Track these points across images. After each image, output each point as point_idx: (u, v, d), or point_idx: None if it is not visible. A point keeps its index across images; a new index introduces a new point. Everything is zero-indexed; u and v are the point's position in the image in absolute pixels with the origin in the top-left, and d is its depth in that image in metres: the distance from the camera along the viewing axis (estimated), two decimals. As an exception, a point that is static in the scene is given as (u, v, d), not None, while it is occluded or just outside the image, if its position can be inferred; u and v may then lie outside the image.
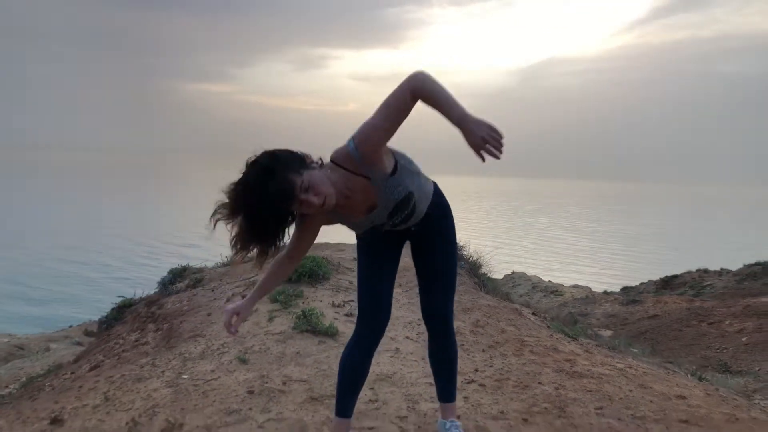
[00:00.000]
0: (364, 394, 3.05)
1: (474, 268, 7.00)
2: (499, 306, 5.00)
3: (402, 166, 2.06)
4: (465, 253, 8.10)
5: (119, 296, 7.62)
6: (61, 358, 6.79)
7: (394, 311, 4.56)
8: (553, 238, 50.42)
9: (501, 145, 1.75)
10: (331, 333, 3.80)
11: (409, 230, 2.23)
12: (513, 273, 22.59)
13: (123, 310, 6.62)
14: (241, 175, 1.83)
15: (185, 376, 3.11)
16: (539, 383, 3.26)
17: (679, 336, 10.90)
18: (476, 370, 3.45)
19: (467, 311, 4.70)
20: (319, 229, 2.15)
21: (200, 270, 7.05)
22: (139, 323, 4.91)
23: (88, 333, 10.12)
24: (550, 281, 21.36)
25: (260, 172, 1.80)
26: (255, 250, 1.90)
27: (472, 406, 2.95)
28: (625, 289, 19.33)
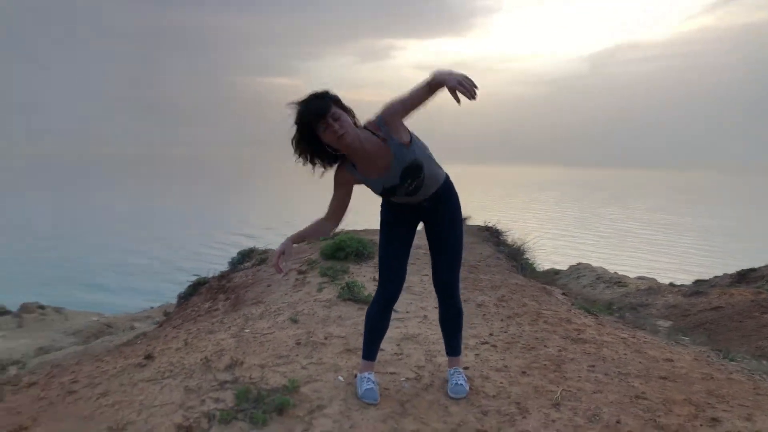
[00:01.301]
0: (391, 348, 3.67)
1: (516, 253, 7.43)
2: (527, 285, 5.48)
3: (416, 143, 2.62)
4: (509, 240, 8.55)
5: (194, 275, 8.59)
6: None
7: (427, 286, 5.15)
8: (622, 230, 49.19)
9: (474, 88, 2.24)
10: (369, 301, 4.42)
11: (421, 206, 2.76)
12: (578, 264, 22.51)
13: (198, 287, 7.53)
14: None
15: (247, 330, 3.82)
16: (544, 346, 3.77)
17: (739, 327, 10.86)
18: (491, 335, 3.99)
19: (495, 288, 5.22)
20: (350, 192, 2.66)
21: (265, 251, 7.86)
22: (211, 294, 5.72)
23: (167, 313, 11.25)
24: (615, 273, 21.19)
25: (314, 94, 2.43)
26: (305, 159, 2.50)
27: (481, 361, 3.50)
28: (698, 282, 18.94)
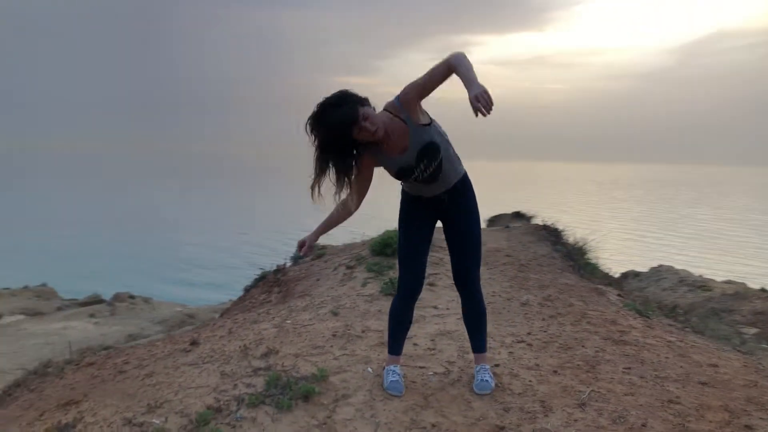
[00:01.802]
0: (425, 343, 3.74)
1: (574, 253, 7.24)
2: (577, 285, 5.37)
3: (435, 127, 2.68)
4: (570, 239, 8.34)
5: (260, 268, 9.00)
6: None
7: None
8: (711, 231, 46.41)
9: (490, 106, 2.25)
10: (410, 297, 4.51)
11: (440, 200, 2.78)
12: (660, 266, 21.52)
13: (260, 280, 7.87)
14: (318, 105, 2.47)
15: (288, 321, 4.00)
16: (582, 347, 3.71)
17: (832, 337, 10.05)
18: (529, 333, 3.97)
19: (543, 287, 5.15)
20: (371, 176, 2.72)
21: (324, 247, 8.10)
22: (267, 287, 5.99)
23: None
24: (700, 276, 20.10)
25: (333, 103, 2.46)
26: (332, 178, 2.55)
27: (513, 358, 3.50)
28: (800, 288, 17.59)
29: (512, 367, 3.36)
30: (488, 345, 3.77)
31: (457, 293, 4.72)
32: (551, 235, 7.57)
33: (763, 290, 18.37)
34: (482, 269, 5.79)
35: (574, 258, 6.91)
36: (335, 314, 4.18)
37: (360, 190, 2.73)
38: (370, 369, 3.28)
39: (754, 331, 13.48)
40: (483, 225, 12.32)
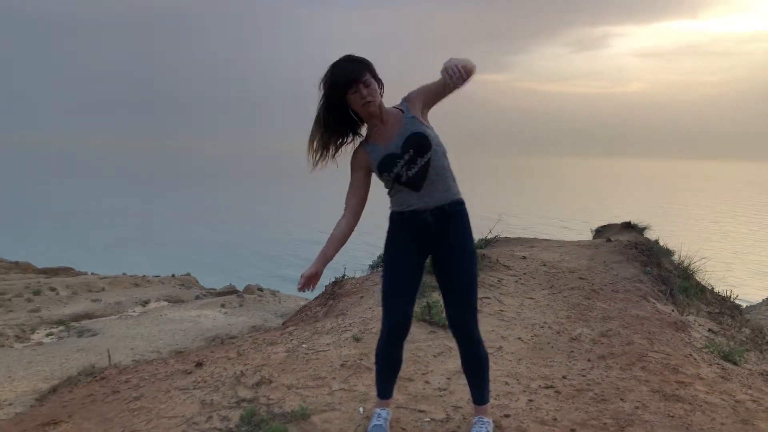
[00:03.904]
0: (438, 382, 3.41)
1: (673, 275, 6.36)
2: (651, 317, 4.66)
3: (433, 130, 2.49)
4: (675, 257, 7.39)
5: (339, 276, 8.95)
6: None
7: (527, 311, 4.70)
8: None
9: (458, 74, 2.24)
10: (443, 325, 4.16)
11: (426, 223, 2.45)
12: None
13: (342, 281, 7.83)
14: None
15: (304, 345, 3.86)
16: (621, 400, 3.17)
17: None
18: (564, 377, 3.48)
19: (606, 319, 4.53)
20: (368, 181, 2.52)
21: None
22: (324, 299, 5.91)
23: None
24: None
25: (349, 57, 2.40)
26: (325, 140, 2.47)
27: (531, 409, 3.07)
28: None
29: (523, 419, 2.94)
30: (510, 389, 3.38)
31: (504, 323, 4.31)
32: (642, 254, 6.73)
33: None
34: (543, 293, 5.31)
35: (668, 282, 6.07)
36: (357, 340, 3.96)
37: (357, 193, 2.53)
38: (361, 409, 3.03)
39: None
40: (588, 235, 11.34)
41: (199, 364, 3.48)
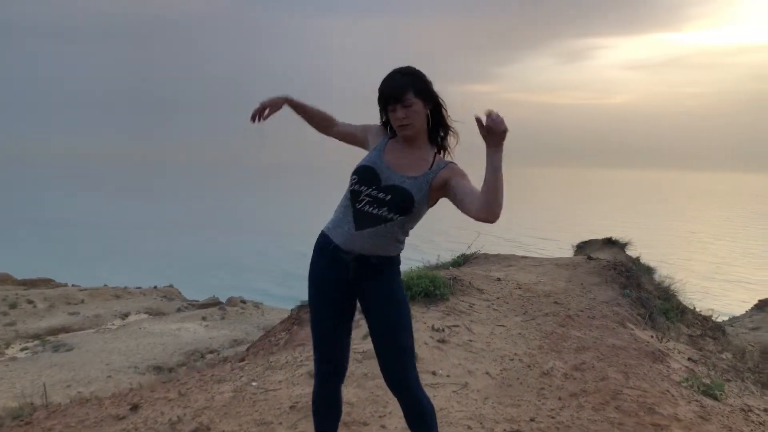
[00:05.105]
0: (396, 426, 3.14)
1: (653, 296, 6.15)
2: (628, 347, 4.43)
3: (424, 209, 2.19)
4: (657, 277, 7.19)
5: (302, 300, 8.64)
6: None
7: (497, 341, 4.44)
8: None
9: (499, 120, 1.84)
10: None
11: (346, 265, 2.18)
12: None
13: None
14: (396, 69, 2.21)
15: (254, 384, 3.57)
16: (591, 447, 2.92)
17: None
18: (532, 420, 3.22)
19: (581, 350, 4.29)
20: (356, 138, 2.36)
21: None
22: (288, 323, 5.62)
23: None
24: None
25: (401, 71, 2.17)
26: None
27: (492, 458, 2.81)
28: None
29: (482, 472, 2.68)
30: (472, 434, 3.11)
31: (472, 355, 4.04)
32: (621, 275, 6.51)
33: None
34: (516, 320, 5.06)
35: (648, 304, 5.85)
36: (312, 377, 3.67)
37: (347, 129, 2.39)
38: (307, 461, 2.76)
39: None
40: (569, 252, 11.12)
41: (134, 407, 3.19)
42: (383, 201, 2.12)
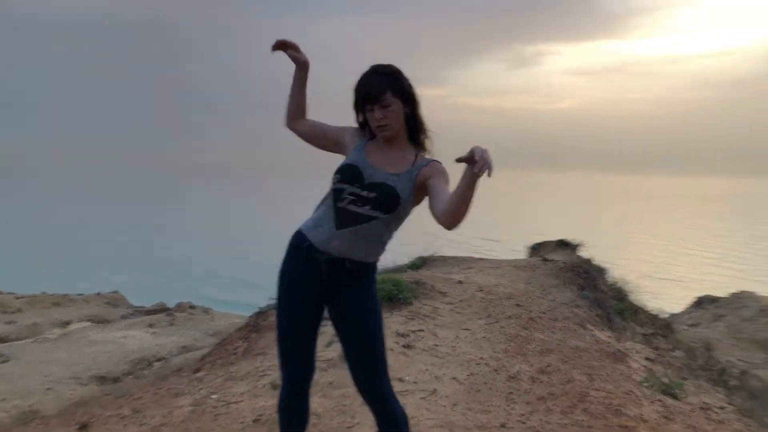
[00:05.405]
0: (366, 435, 3.03)
1: (609, 297, 6.29)
2: (590, 348, 4.48)
3: (409, 209, 2.11)
4: (610, 277, 7.36)
5: (270, 298, 8.30)
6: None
7: (459, 346, 4.40)
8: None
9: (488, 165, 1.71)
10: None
11: (319, 267, 2.08)
12: (742, 293, 19.65)
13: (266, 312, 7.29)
14: (374, 66, 2.12)
15: (214, 396, 3.40)
16: (563, 452, 2.90)
17: None
18: (503, 425, 3.18)
19: (545, 352, 4.30)
20: (324, 137, 2.23)
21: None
22: (246, 331, 5.43)
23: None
24: (786, 306, 18.12)
25: (377, 70, 2.08)
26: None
27: (466, 467, 2.75)
28: None
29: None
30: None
31: (439, 360, 3.97)
32: (579, 276, 6.62)
33: None
34: (480, 323, 5.04)
35: (605, 305, 5.96)
36: (275, 387, 3.51)
37: (316, 126, 2.24)
38: (274, 477, 2.62)
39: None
40: (520, 254, 11.28)
41: (83, 427, 2.97)
42: (367, 198, 2.04)
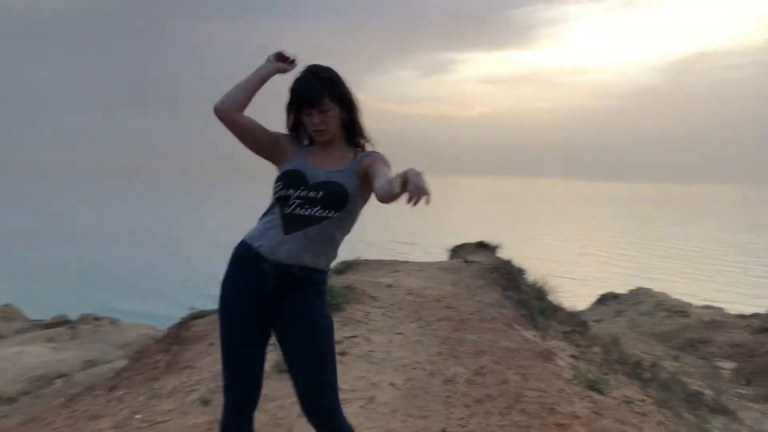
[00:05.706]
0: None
1: (531, 297, 6.49)
2: (521, 348, 4.58)
3: (359, 206, 2.06)
4: (529, 279, 7.60)
5: (191, 308, 7.83)
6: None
7: (397, 349, 4.35)
8: (693, 252, 46.11)
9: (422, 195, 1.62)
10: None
11: (264, 277, 1.97)
12: (638, 289, 20.95)
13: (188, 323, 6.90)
14: (310, 66, 2.10)
15: (138, 416, 3.15)
16: (505, 453, 2.91)
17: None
18: (443, 430, 3.16)
19: (478, 354, 4.34)
20: (258, 137, 2.11)
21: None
22: (166, 344, 5.12)
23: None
24: (678, 300, 19.57)
25: (315, 72, 2.05)
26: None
27: (412, 476, 2.69)
28: (768, 317, 16.94)
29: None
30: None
31: (374, 366, 3.88)
32: (502, 277, 6.80)
33: (741, 316, 17.84)
34: (413, 326, 5.03)
35: (528, 305, 6.14)
36: (205, 403, 3.32)
37: (251, 123, 2.10)
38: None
39: (731, 365, 12.74)
40: (444, 256, 11.45)
41: (-12, 459, 2.65)
42: (315, 199, 1.96)
